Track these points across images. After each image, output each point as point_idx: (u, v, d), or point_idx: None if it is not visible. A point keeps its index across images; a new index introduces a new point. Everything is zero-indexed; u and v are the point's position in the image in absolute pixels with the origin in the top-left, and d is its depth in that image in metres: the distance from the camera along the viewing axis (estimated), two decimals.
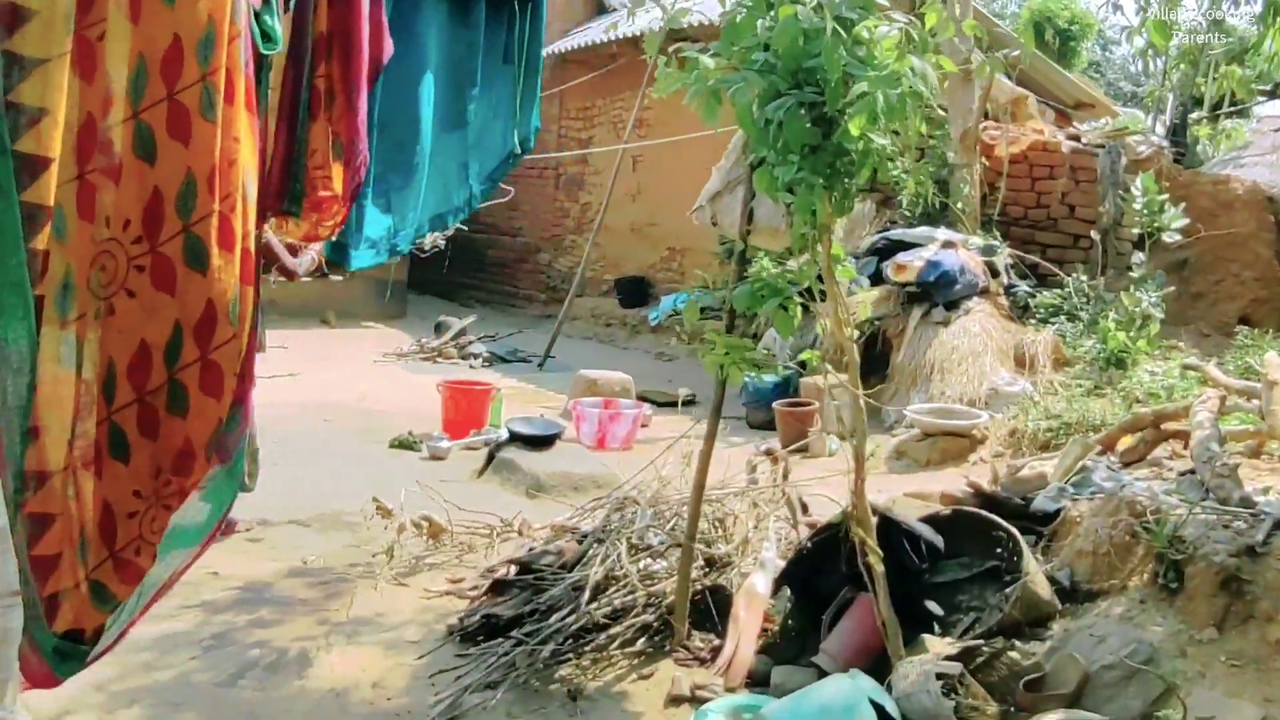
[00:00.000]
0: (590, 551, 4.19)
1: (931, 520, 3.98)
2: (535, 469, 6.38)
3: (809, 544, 3.96)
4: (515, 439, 6.79)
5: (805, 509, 4.85)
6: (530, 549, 4.32)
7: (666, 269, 13.44)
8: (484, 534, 5.32)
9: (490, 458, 6.75)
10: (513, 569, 4.23)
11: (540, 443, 6.75)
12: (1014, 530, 3.83)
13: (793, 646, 3.95)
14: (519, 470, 6.46)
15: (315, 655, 3.89)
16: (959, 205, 9.19)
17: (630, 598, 3.98)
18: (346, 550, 5.12)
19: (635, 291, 13.38)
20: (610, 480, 6.13)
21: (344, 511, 5.71)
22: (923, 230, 8.83)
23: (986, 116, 9.79)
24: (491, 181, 4.35)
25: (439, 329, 12.43)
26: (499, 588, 4.13)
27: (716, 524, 4.50)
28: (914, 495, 5.05)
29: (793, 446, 7.46)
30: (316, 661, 3.84)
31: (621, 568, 3.99)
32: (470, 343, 11.95)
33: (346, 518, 5.65)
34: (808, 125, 3.25)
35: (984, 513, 3.98)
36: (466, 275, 17.56)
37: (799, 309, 3.79)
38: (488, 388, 8.01)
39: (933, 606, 3.81)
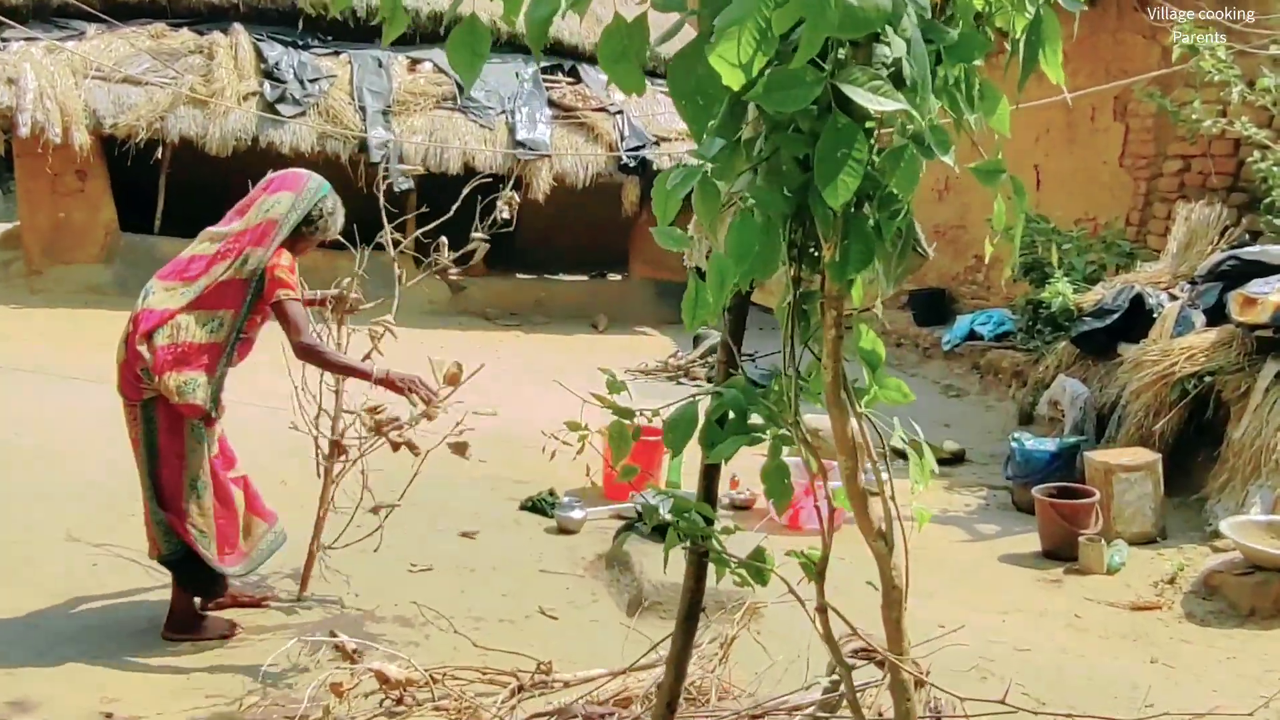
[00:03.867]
0: None
1: None
2: (645, 571, 4.68)
3: None
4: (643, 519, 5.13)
5: None
6: None
7: (971, 282, 11.14)
8: (506, 682, 3.76)
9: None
10: None
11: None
12: None
13: None
14: (629, 570, 4.80)
15: None
16: None
17: None
18: (320, 689, 3.70)
19: (932, 306, 11.18)
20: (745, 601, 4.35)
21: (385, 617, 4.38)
22: None
23: None
24: None
25: (696, 342, 10.91)
26: None
27: None
28: None
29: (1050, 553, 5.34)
30: None
31: None
32: None
33: (374, 628, 4.30)
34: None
35: None
36: None
37: (814, 457, 1.92)
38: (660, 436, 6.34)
39: None
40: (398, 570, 4.94)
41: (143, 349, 3.73)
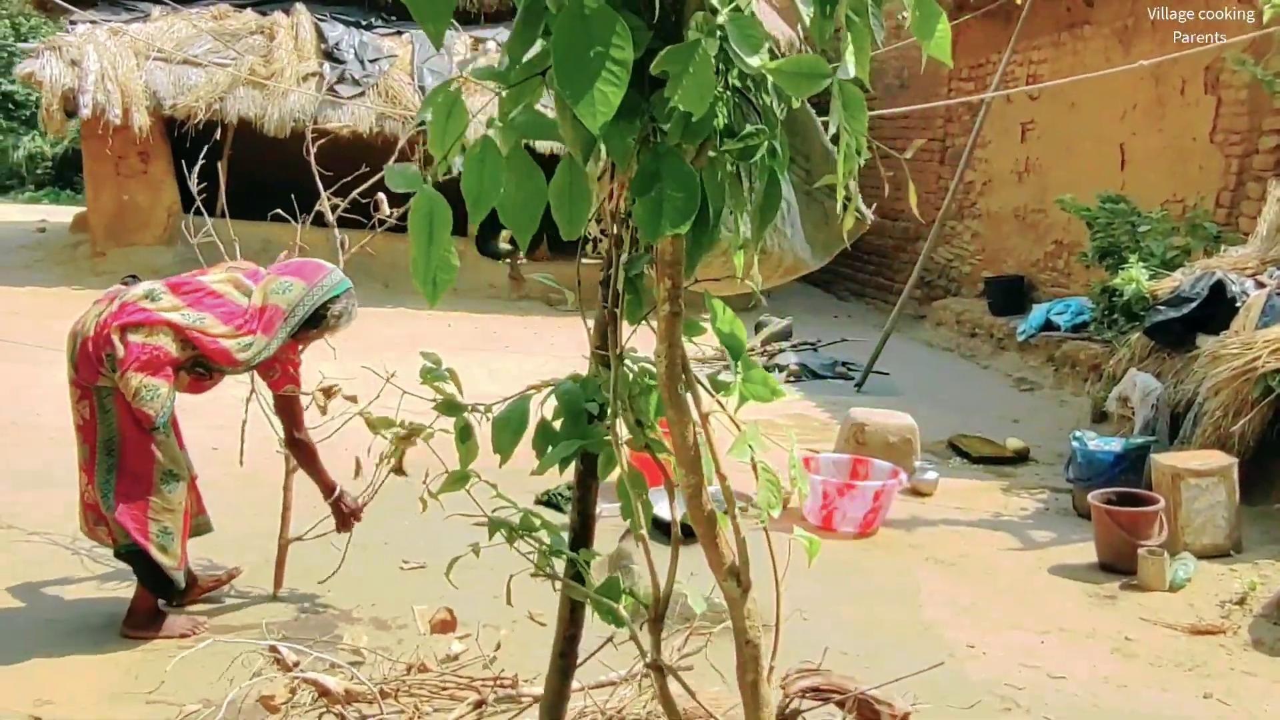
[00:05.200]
0: None
1: None
2: (646, 576, 4.30)
3: None
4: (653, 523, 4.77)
5: None
6: None
7: (1050, 268, 10.48)
8: (467, 696, 3.45)
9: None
10: None
11: (686, 531, 4.65)
12: None
13: None
14: (630, 573, 4.44)
15: None
16: None
17: None
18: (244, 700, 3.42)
19: (1009, 294, 10.55)
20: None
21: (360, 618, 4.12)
22: None
23: None
24: None
25: (757, 329, 10.46)
26: None
27: None
28: None
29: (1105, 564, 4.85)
30: None
31: None
32: (779, 350, 9.88)
33: (346, 629, 4.02)
34: None
35: None
36: (844, 263, 15.38)
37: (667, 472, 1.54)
38: None
39: None
40: (389, 567, 4.67)
41: (115, 338, 3.52)
